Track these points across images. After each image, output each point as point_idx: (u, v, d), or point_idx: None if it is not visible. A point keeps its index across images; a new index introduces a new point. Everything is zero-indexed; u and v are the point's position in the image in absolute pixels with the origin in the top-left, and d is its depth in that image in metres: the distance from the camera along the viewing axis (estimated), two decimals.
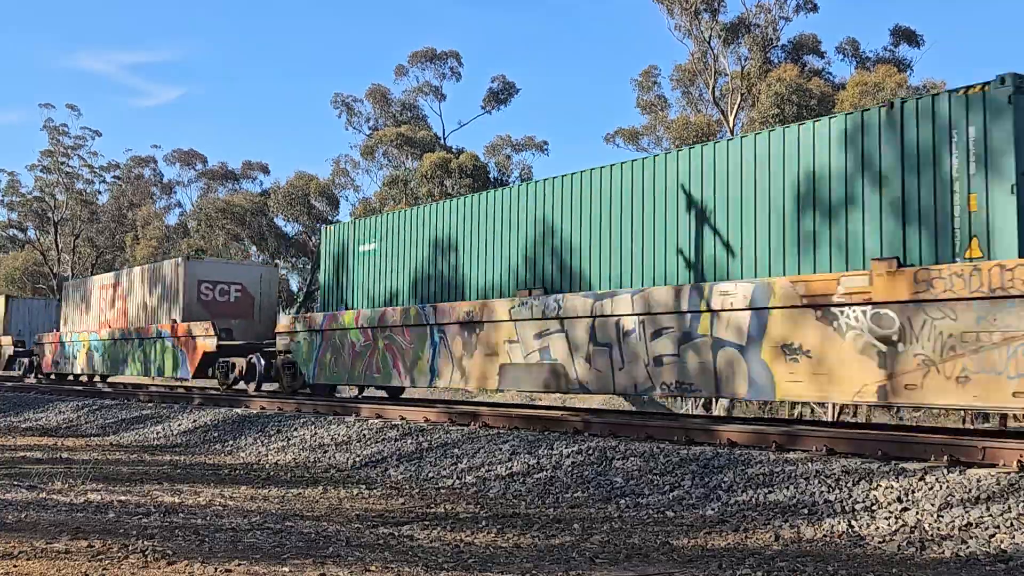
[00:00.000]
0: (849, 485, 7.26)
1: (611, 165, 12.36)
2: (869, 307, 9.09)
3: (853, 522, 6.71)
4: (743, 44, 38.68)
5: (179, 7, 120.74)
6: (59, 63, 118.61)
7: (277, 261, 49.59)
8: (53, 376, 30.27)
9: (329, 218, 52.25)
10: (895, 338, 8.84)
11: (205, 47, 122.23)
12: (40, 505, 7.45)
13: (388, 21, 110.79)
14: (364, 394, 21.20)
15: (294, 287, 54.91)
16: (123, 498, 7.94)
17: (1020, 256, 8.26)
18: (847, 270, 9.48)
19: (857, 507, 6.92)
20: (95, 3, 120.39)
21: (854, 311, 9.19)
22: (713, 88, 39.38)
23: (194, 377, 21.81)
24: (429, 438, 11.06)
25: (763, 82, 35.97)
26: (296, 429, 12.83)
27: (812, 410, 26.31)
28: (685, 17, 38.55)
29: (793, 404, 24.60)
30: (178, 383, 31.52)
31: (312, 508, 7.74)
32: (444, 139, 53.02)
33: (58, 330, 30.18)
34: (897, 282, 8.85)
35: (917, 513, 6.61)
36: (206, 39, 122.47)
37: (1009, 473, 7.01)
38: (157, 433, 14.57)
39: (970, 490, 6.73)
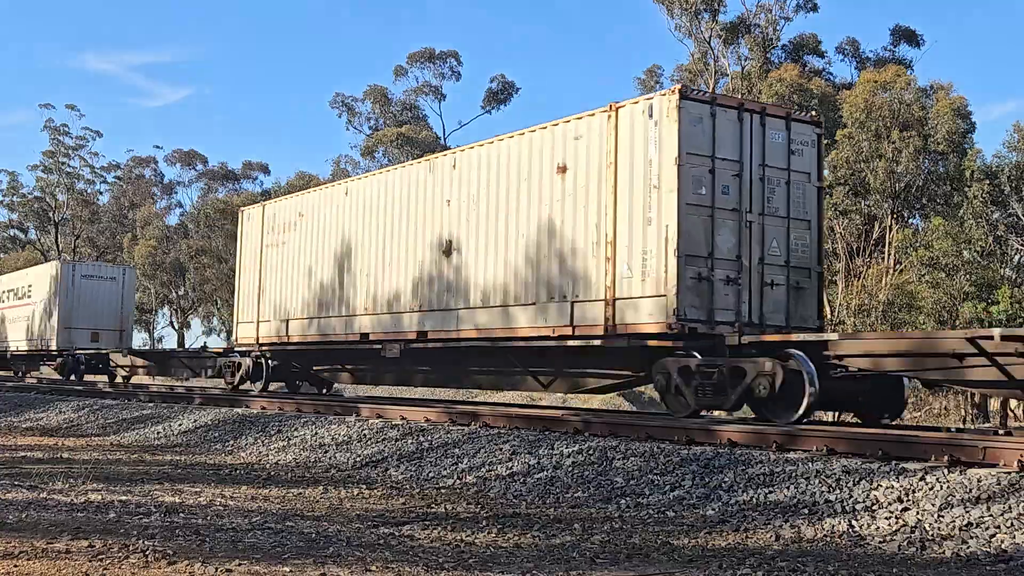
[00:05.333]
0: (849, 485, 7.26)
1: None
2: None
3: (854, 522, 6.71)
4: (743, 44, 38.70)
5: (183, 8, 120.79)
6: (66, 64, 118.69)
7: None
8: None
9: None
10: None
11: (208, 48, 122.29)
12: (41, 505, 7.45)
13: (388, 21, 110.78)
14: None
15: None
16: (124, 498, 7.94)
17: None
18: None
19: (857, 507, 6.91)
20: (100, 4, 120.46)
21: None
22: (713, 88, 39.35)
23: None
24: (430, 438, 11.06)
25: (763, 82, 35.96)
26: (297, 429, 12.84)
27: None
28: (685, 17, 38.57)
29: None
30: (179, 383, 31.69)
31: (313, 508, 7.74)
32: (444, 139, 53.04)
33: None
34: None
35: (917, 513, 6.60)
36: (209, 40, 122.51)
37: (1010, 473, 7.00)
38: (158, 433, 14.57)
39: (970, 490, 6.72)
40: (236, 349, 20.63)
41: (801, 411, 10.39)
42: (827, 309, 30.82)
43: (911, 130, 31.83)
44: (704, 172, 11.52)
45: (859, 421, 11.84)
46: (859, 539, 6.44)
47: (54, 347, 30.36)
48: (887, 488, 7.03)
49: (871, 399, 11.40)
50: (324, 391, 21.49)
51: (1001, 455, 7.49)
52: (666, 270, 11.32)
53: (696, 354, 11.29)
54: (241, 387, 20.20)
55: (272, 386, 20.29)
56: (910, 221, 35.22)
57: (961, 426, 19.57)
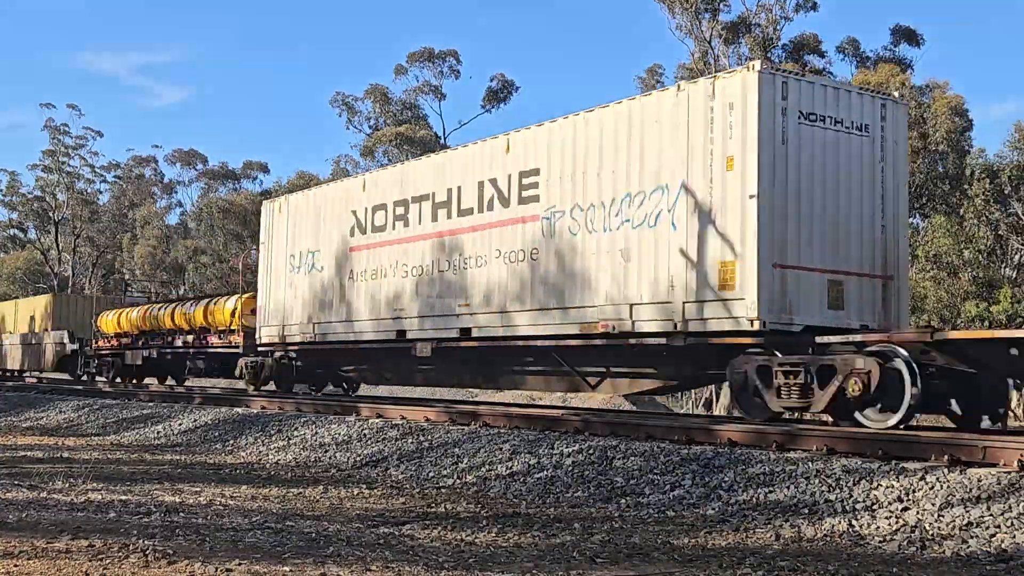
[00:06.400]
0: (850, 485, 7.26)
1: None
2: None
3: (854, 521, 6.71)
4: (744, 44, 38.66)
5: (183, 8, 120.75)
6: (66, 64, 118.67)
7: None
8: None
9: None
10: None
11: (208, 48, 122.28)
12: (41, 504, 7.45)
13: (388, 21, 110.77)
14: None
15: None
16: (124, 497, 7.94)
17: None
18: None
19: (858, 506, 6.91)
20: (101, 4, 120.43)
21: None
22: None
23: None
24: (430, 437, 11.06)
25: None
26: (297, 429, 12.84)
27: None
28: (686, 17, 38.53)
29: None
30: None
31: (313, 507, 7.74)
32: (444, 139, 53.02)
33: None
34: None
35: (918, 512, 6.60)
36: (209, 40, 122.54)
37: (1010, 472, 7.00)
38: (158, 432, 14.58)
39: (971, 489, 6.72)
40: None
41: None
42: None
43: (909, 130, 31.80)
44: None
45: None
46: (859, 539, 6.43)
47: (749, 321, 10.83)
48: (887, 488, 7.03)
49: None
50: None
51: (1001, 455, 7.49)
52: None
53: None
54: None
55: None
56: (910, 220, 35.22)
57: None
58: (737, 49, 38.85)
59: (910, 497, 6.84)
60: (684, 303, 11.29)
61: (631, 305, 11.94)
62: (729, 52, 38.84)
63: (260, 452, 12.11)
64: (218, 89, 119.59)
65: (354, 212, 16.73)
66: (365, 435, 11.81)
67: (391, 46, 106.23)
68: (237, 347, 20.50)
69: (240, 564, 5.38)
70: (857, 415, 9.95)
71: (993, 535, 6.10)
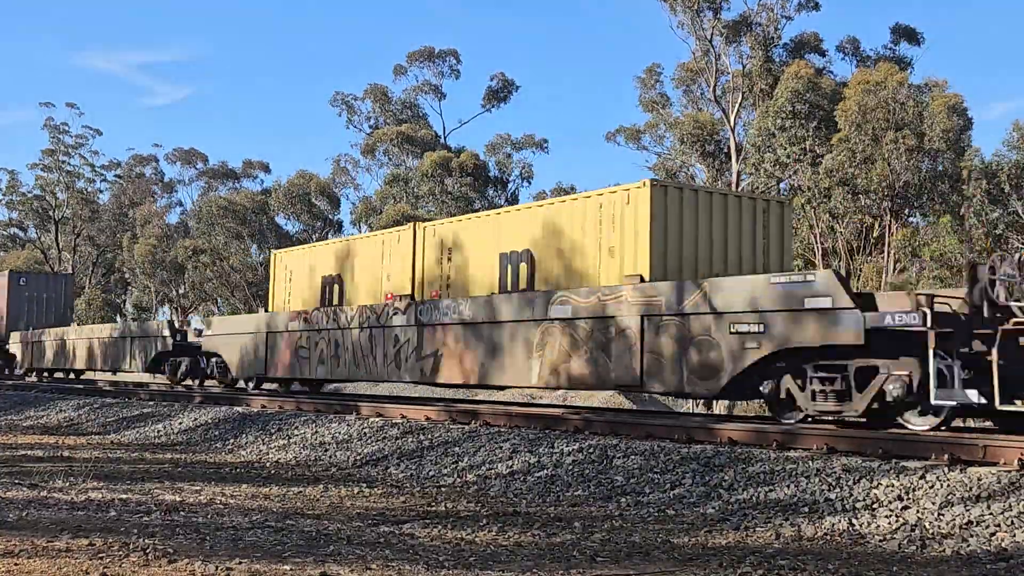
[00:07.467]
0: (850, 483, 7.26)
1: None
2: None
3: (854, 520, 6.72)
4: (745, 42, 38.67)
5: (183, 8, 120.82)
6: (66, 63, 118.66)
7: None
8: None
9: (330, 217, 52.35)
10: None
11: (208, 47, 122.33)
12: (41, 503, 7.46)
13: (388, 20, 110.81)
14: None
15: None
16: (124, 496, 7.95)
17: None
18: None
19: (858, 505, 6.92)
20: (101, 3, 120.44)
21: None
22: (714, 87, 39.36)
23: None
24: (430, 436, 11.07)
25: (770, 76, 35.99)
26: (297, 427, 12.84)
27: None
28: (687, 15, 38.54)
29: None
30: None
31: (313, 506, 7.75)
32: (444, 138, 53.04)
33: None
34: None
35: (918, 511, 6.61)
36: (211, 39, 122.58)
37: (1010, 471, 7.01)
38: (158, 431, 14.57)
39: (971, 488, 6.72)
40: None
41: None
42: None
43: (906, 129, 31.81)
44: None
45: None
46: (859, 537, 6.44)
47: None
48: (887, 487, 7.03)
49: None
50: None
51: (1001, 453, 7.50)
52: None
53: None
54: None
55: None
56: (909, 220, 35.22)
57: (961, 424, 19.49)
58: (738, 48, 38.87)
59: (910, 496, 6.84)
60: None
61: None
62: (730, 51, 38.85)
63: (260, 451, 12.11)
64: (218, 89, 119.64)
65: None
66: (365, 434, 11.81)
67: (391, 46, 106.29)
68: None
69: (240, 563, 5.39)
70: None
71: (993, 534, 6.11)
